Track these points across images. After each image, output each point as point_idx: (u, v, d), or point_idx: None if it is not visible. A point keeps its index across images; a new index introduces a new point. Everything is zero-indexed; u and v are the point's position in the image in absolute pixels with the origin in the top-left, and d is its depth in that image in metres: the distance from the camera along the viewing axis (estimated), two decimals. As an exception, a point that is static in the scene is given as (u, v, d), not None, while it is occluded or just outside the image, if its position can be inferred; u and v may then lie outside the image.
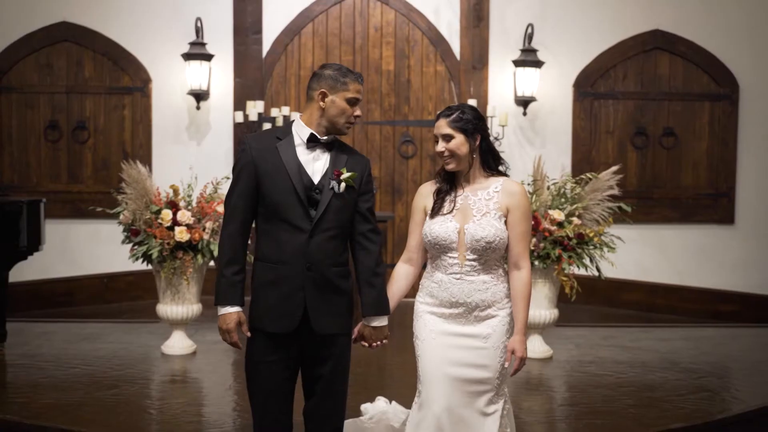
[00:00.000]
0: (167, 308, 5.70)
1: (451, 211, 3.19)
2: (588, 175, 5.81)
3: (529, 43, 7.96)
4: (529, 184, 5.81)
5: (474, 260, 3.14)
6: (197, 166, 6.88)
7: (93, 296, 7.96)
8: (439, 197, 3.23)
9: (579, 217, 5.63)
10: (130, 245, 5.62)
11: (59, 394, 4.74)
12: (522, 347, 3.15)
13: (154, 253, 5.39)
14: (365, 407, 4.10)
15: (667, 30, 8.09)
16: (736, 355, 6.03)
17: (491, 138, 3.37)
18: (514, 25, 8.06)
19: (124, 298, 8.00)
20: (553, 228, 5.51)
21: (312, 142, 3.08)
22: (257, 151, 3.06)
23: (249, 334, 3.07)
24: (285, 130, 3.15)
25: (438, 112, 3.26)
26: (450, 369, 3.13)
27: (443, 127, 3.18)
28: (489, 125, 7.86)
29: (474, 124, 3.18)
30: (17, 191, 7.55)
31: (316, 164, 3.08)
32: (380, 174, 8.11)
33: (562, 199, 5.72)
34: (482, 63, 8.11)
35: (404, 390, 4.36)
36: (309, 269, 3.03)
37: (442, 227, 3.17)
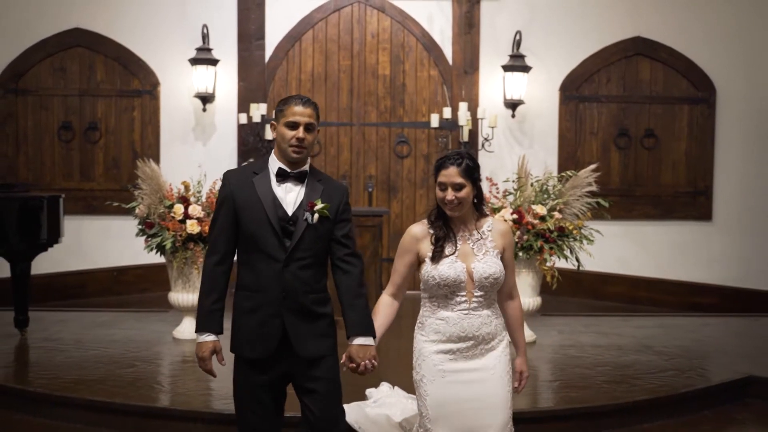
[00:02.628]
0: (178, 296, 6.13)
1: (454, 253, 3.27)
2: (568, 172, 6.26)
3: (518, 49, 8.40)
4: (513, 182, 6.26)
5: (481, 296, 3.27)
6: (203, 165, 7.27)
7: (104, 288, 8.38)
8: (438, 242, 3.29)
9: (560, 211, 6.06)
10: (144, 237, 6.06)
11: (81, 372, 5.18)
12: (527, 367, 3.44)
13: (168, 244, 5.83)
14: (370, 392, 4.38)
15: (648, 37, 8.53)
16: (706, 340, 6.45)
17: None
18: (503, 32, 8.50)
19: (133, 290, 8.42)
20: (536, 221, 5.95)
21: (281, 176, 3.16)
22: (235, 186, 3.17)
23: (224, 363, 3.19)
24: (262, 164, 3.24)
25: (443, 159, 3.29)
26: (462, 405, 3.23)
27: (455, 176, 3.22)
28: (479, 127, 8.33)
29: (477, 171, 3.29)
30: (32, 189, 7.96)
31: (289, 196, 3.16)
32: (377, 173, 8.56)
33: (545, 195, 6.16)
34: (473, 68, 8.55)
35: (401, 369, 4.72)
36: (285, 297, 3.12)
37: (451, 269, 3.24)
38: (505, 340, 3.37)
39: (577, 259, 6.10)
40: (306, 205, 3.13)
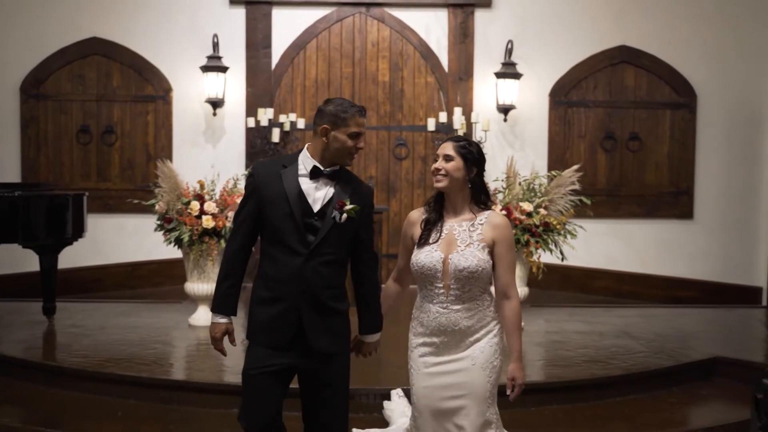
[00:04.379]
0: (194, 286, 6.64)
1: (437, 241, 3.26)
2: (553, 172, 6.78)
3: (510, 57, 8.91)
4: (502, 181, 6.77)
5: (458, 289, 3.23)
6: (214, 166, 7.76)
7: (119, 282, 8.87)
8: (426, 227, 3.31)
9: (545, 208, 6.58)
10: (162, 232, 6.57)
11: (110, 352, 5.71)
12: (521, 374, 3.24)
13: (185, 238, 6.35)
14: (387, 404, 4.63)
15: (632, 45, 9.01)
16: (681, 327, 6.95)
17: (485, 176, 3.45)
18: (496, 42, 8.99)
19: (147, 284, 8.90)
20: (523, 217, 6.46)
21: (315, 173, 3.20)
22: (263, 177, 3.22)
23: (235, 344, 3.34)
24: (292, 158, 3.27)
25: (448, 137, 3.64)
26: (441, 393, 3.25)
27: (448, 148, 3.30)
28: (473, 130, 8.83)
29: (475, 157, 3.29)
30: (54, 188, 8.47)
31: (317, 193, 3.20)
32: (377, 174, 9.07)
33: (532, 193, 6.67)
34: (468, 75, 9.06)
35: (402, 355, 5.14)
36: (303, 291, 3.16)
37: (427, 257, 3.25)
38: (494, 331, 3.28)
39: (561, 252, 6.60)
40: (336, 203, 3.18)
